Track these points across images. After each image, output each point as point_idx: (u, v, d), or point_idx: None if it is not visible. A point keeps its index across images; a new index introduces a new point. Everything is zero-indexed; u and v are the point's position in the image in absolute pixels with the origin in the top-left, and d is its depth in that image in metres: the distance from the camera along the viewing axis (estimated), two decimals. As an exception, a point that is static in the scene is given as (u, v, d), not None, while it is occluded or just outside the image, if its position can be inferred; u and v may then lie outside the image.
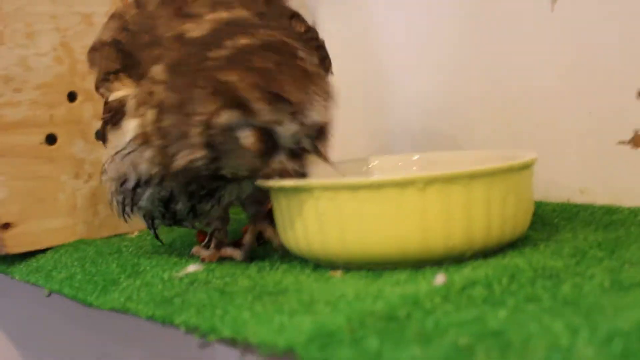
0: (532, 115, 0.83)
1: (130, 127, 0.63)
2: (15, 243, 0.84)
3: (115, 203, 0.70)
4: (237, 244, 0.70)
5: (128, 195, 0.67)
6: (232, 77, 0.56)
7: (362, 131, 1.04)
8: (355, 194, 0.56)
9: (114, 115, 0.65)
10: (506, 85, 0.85)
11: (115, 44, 0.67)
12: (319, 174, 0.63)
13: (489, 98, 0.87)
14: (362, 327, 0.43)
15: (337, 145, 1.05)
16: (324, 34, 0.72)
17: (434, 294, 0.47)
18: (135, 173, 0.64)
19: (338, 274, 0.58)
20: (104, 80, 0.67)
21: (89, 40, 0.83)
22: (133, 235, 0.89)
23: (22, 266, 0.82)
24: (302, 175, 0.58)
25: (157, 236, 0.73)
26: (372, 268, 0.58)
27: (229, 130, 0.57)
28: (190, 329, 0.50)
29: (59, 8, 0.86)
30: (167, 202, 0.66)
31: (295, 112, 0.56)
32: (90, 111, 0.88)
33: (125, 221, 0.71)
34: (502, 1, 0.84)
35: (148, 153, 0.62)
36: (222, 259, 0.68)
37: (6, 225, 0.83)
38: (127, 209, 0.68)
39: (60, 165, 0.87)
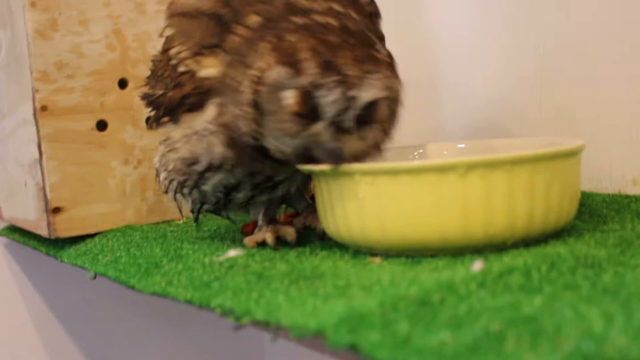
0: (584, 102, 0.80)
1: (215, 105, 0.62)
2: (65, 227, 0.85)
3: (169, 182, 0.69)
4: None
5: (192, 177, 0.66)
6: (294, 37, 0.57)
7: (412, 121, 1.03)
8: (395, 178, 0.55)
9: (199, 93, 0.64)
10: (558, 72, 0.83)
11: (217, 17, 0.63)
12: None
13: (540, 86, 0.85)
14: (394, 311, 0.42)
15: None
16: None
17: (470, 280, 0.46)
18: (208, 156, 0.64)
19: (377, 260, 0.57)
20: (197, 53, 0.64)
21: (141, 27, 0.85)
22: (180, 222, 0.89)
23: (70, 250, 0.84)
24: (337, 151, 0.58)
25: (197, 220, 0.73)
26: (412, 255, 0.57)
27: (276, 88, 0.57)
28: (226, 312, 0.50)
29: (111, -4, 0.88)
30: (229, 190, 0.66)
31: (344, 83, 0.56)
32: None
33: (175, 200, 0.71)
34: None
35: (224, 136, 0.62)
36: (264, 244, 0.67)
37: (57, 210, 0.85)
38: (185, 190, 0.68)
39: (111, 151, 0.88)
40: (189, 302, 0.55)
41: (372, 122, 0.59)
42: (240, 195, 0.66)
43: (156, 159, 0.72)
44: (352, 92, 0.56)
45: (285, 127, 0.58)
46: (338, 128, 0.57)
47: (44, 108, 0.84)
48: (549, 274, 0.47)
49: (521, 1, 0.86)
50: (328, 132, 0.58)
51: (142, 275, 0.65)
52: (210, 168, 0.65)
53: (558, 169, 0.57)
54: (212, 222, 0.85)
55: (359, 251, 0.60)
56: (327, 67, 0.56)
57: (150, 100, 0.72)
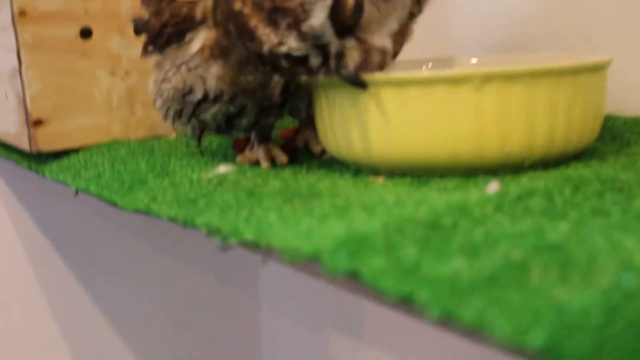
0: (608, 17, 0.74)
1: (199, 38, 0.58)
2: (47, 140, 0.80)
3: (166, 110, 0.64)
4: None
5: (189, 107, 0.61)
6: (237, 5, 0.51)
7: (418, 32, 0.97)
8: (402, 90, 0.50)
9: (176, 23, 0.59)
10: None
11: None
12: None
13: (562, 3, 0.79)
14: (399, 234, 0.37)
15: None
16: None
17: (485, 202, 0.41)
18: (203, 87, 0.59)
19: (380, 179, 0.52)
20: None
21: None
22: (170, 138, 0.84)
23: (53, 164, 0.78)
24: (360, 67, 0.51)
25: (200, 147, 0.68)
26: (419, 175, 0.52)
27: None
28: (212, 231, 0.45)
29: None
30: (231, 118, 0.61)
31: (290, 20, 0.50)
32: (129, 3, 0.82)
33: (173, 127, 0.67)
34: None
35: (215, 69, 0.57)
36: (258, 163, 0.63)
37: (38, 122, 0.79)
38: (183, 119, 0.63)
39: (96, 60, 0.82)
40: (173, 219, 0.51)
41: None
42: (244, 122, 0.61)
43: (150, 84, 0.66)
44: (304, 26, 0.49)
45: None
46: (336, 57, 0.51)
47: (22, 13, 0.77)
48: (574, 198, 0.42)
49: None
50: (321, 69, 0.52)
51: (125, 192, 0.61)
52: (206, 99, 0.60)
53: (582, 84, 0.51)
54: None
55: (361, 170, 0.55)
56: (272, 17, 0.50)
57: (138, 25, 0.65)
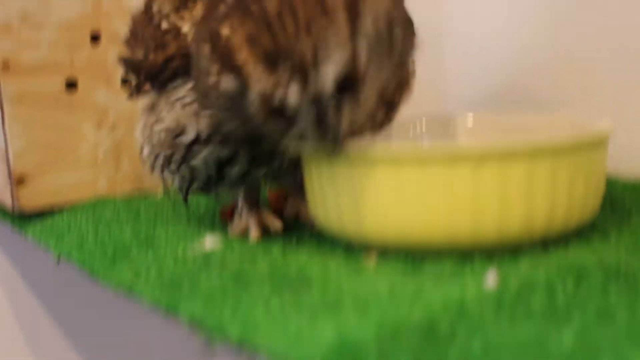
0: (607, 69, 0.73)
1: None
2: (30, 199, 0.78)
3: (154, 158, 0.60)
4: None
5: (179, 151, 0.57)
6: (227, 28, 0.46)
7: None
8: (396, 166, 0.48)
9: (184, 55, 0.54)
10: (583, 42, 0.74)
11: None
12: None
13: (562, 56, 0.77)
14: (394, 341, 0.35)
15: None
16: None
17: (483, 300, 0.39)
18: (196, 126, 0.55)
19: (373, 258, 0.50)
20: (181, 6, 0.56)
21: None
22: (157, 195, 0.82)
23: (36, 224, 0.76)
24: (333, 135, 0.48)
25: (186, 200, 0.63)
26: (413, 254, 0.50)
27: (240, 94, 0.47)
28: (195, 322, 0.43)
29: (83, -62, 0.79)
30: (223, 164, 0.57)
31: (297, 74, 0.45)
32: (115, 55, 0.80)
33: (162, 178, 0.62)
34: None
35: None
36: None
37: (21, 180, 0.77)
38: (173, 166, 0.59)
39: (81, 114, 0.80)
40: (156, 303, 0.48)
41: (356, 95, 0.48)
42: (236, 170, 0.57)
43: (138, 132, 0.63)
44: (311, 79, 0.45)
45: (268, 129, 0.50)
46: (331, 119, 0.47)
47: (5, 65, 0.75)
48: (577, 293, 0.40)
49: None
50: (310, 126, 0.48)
51: (108, 263, 0.58)
52: (198, 140, 0.56)
53: (585, 158, 0.49)
54: (191, 197, 0.77)
55: (353, 246, 0.53)
56: (271, 58, 0.45)
57: (129, 65, 0.63)
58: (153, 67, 0.58)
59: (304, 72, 0.44)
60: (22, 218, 0.79)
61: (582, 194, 0.49)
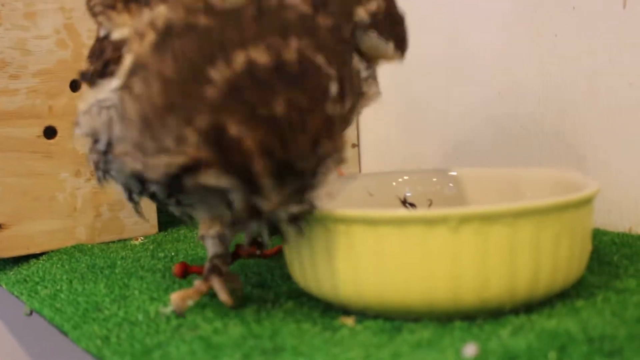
0: (593, 127, 0.71)
1: (121, 75, 0.48)
2: (6, 246, 0.76)
3: (92, 163, 0.56)
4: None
5: (100, 159, 0.53)
6: (234, 129, 0.41)
7: (395, 139, 0.94)
8: (374, 229, 0.46)
9: (108, 60, 0.50)
10: (567, 92, 0.73)
11: None
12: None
13: (545, 108, 0.76)
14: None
15: (368, 152, 0.95)
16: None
17: (461, 375, 0.37)
18: (107, 134, 0.50)
19: (350, 321, 0.48)
20: (108, 6, 0.51)
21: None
22: (137, 242, 0.80)
23: (11, 273, 0.74)
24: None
25: (137, 210, 0.58)
26: (391, 317, 0.48)
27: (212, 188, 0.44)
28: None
29: (64, -14, 0.78)
30: (142, 180, 0.51)
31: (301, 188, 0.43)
32: (96, 102, 0.79)
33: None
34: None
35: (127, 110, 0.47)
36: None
37: (-3, 227, 0.75)
38: (99, 173, 0.55)
39: (60, 161, 0.78)
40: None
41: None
42: (156, 188, 0.51)
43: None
44: (306, 198, 0.44)
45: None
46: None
47: (-18, 112, 0.74)
48: (559, 366, 0.38)
49: (528, 10, 0.77)
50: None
51: (78, 319, 0.56)
52: (108, 150, 0.51)
53: (569, 220, 0.48)
54: (170, 246, 0.76)
55: (330, 307, 0.51)
56: (282, 173, 0.42)
57: (84, 77, 0.56)
58: (94, 74, 0.53)
59: (303, 192, 0.44)
60: (-1, 264, 0.78)
61: (566, 256, 0.48)
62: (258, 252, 0.62)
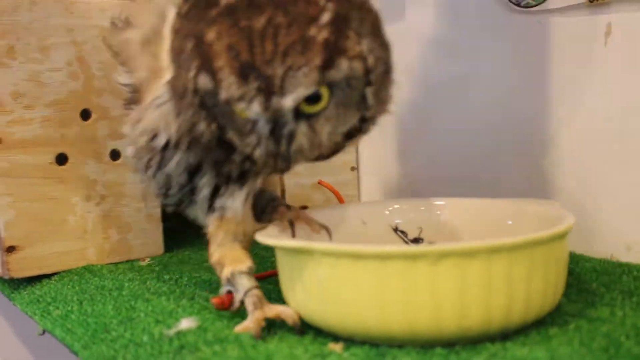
0: (575, 158, 0.75)
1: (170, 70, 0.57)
2: (20, 267, 0.80)
3: (137, 160, 0.63)
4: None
5: (156, 156, 0.61)
6: (213, 33, 0.50)
7: (393, 163, 0.97)
8: (359, 262, 0.50)
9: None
10: (548, 126, 0.77)
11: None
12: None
13: (527, 140, 0.79)
14: None
15: (367, 175, 0.99)
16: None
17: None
18: (166, 129, 0.58)
19: (338, 348, 0.52)
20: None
21: (107, 55, 0.78)
22: (144, 263, 0.84)
23: (25, 292, 0.78)
24: (283, 158, 0.52)
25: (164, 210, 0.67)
26: (376, 344, 0.51)
27: (213, 94, 0.51)
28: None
29: (75, 20, 0.81)
30: (192, 173, 0.60)
31: (263, 90, 0.49)
32: (105, 130, 0.83)
33: (141, 182, 0.66)
34: (549, 35, 0.76)
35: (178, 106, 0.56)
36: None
37: (11, 249, 0.79)
38: (150, 171, 0.62)
39: (71, 186, 0.82)
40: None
41: (318, 115, 0.52)
42: (204, 181, 0.60)
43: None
44: (273, 100, 0.49)
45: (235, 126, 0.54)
46: (286, 134, 0.51)
47: (-2, 140, 0.78)
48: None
49: (513, 48, 0.80)
50: (268, 138, 0.52)
51: (88, 340, 0.60)
52: (169, 145, 0.59)
53: (541, 254, 0.51)
54: (175, 267, 0.80)
55: (320, 332, 0.55)
56: (245, 72, 0.49)
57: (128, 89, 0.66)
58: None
59: (268, 94, 0.49)
60: (12, 283, 0.82)
61: (540, 288, 0.51)
62: None
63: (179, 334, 0.57)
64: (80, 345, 0.60)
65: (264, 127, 0.51)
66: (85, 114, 0.83)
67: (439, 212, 0.68)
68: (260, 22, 0.49)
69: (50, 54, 0.80)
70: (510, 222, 0.63)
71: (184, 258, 0.85)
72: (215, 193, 0.61)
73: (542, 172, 0.78)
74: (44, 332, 0.68)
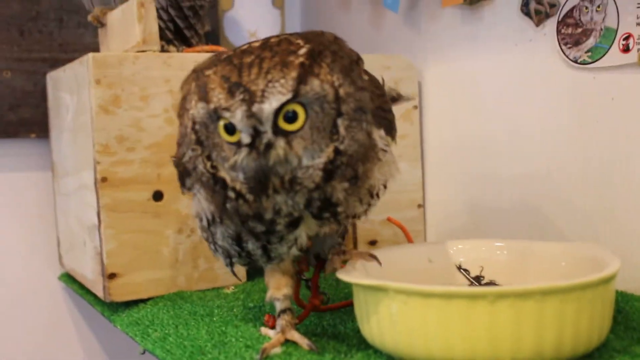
0: (629, 204, 0.81)
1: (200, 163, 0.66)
2: (119, 292, 0.89)
3: (207, 242, 0.72)
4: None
5: (209, 234, 0.69)
6: (211, 71, 0.61)
7: (457, 202, 1.04)
8: (426, 300, 0.58)
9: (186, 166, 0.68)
10: (605, 173, 0.83)
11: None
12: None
13: (586, 186, 0.86)
14: None
15: (432, 212, 1.06)
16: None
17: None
18: (204, 213, 0.67)
19: (407, 373, 0.60)
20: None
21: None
22: (229, 291, 0.92)
23: (123, 315, 0.87)
24: (258, 170, 0.60)
25: (234, 273, 0.74)
26: (441, 372, 0.59)
27: (203, 124, 0.62)
28: None
29: (172, 72, 0.91)
30: (238, 241, 0.67)
31: (246, 100, 0.58)
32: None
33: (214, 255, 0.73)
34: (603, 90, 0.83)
35: (203, 192, 0.66)
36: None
37: (112, 275, 0.89)
38: (212, 246, 0.71)
39: (165, 220, 0.92)
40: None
41: (295, 133, 0.60)
42: (250, 246, 0.67)
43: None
44: (255, 106, 0.58)
45: (223, 156, 0.62)
46: (265, 145, 0.59)
47: (104, 179, 0.88)
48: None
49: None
50: (249, 152, 0.59)
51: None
52: (209, 223, 0.68)
53: (589, 296, 0.58)
54: (257, 296, 0.88)
55: (392, 359, 0.62)
56: (232, 89, 0.59)
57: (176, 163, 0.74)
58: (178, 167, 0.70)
59: (251, 102, 0.58)
60: (111, 306, 0.91)
61: (587, 327, 0.58)
62: (326, 298, 0.77)
63: (267, 358, 0.65)
64: (179, 365, 0.69)
65: (245, 138, 0.59)
66: (179, 156, 0.92)
67: (498, 252, 0.75)
68: (250, 58, 0.60)
69: (150, 102, 0.90)
70: (563, 264, 0.70)
71: (264, 287, 0.93)
72: (265, 251, 0.68)
73: (596, 217, 0.84)
74: (144, 352, 0.77)
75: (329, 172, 0.61)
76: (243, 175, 0.60)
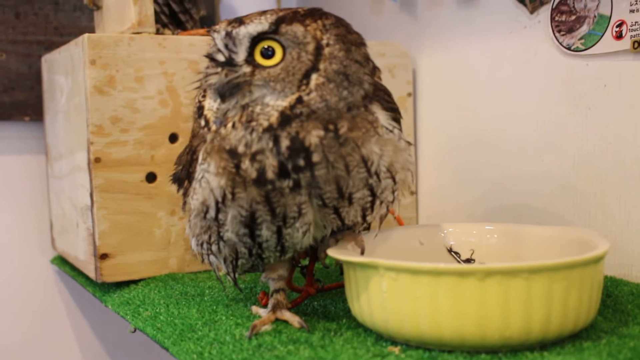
0: (620, 191, 0.82)
1: (201, 153, 0.66)
2: (111, 273, 0.90)
3: (200, 246, 0.70)
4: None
5: (213, 228, 0.67)
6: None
7: (449, 189, 1.05)
8: (417, 277, 0.58)
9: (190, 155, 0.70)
10: (597, 158, 0.84)
11: None
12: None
13: (578, 170, 0.86)
14: None
15: (425, 199, 1.07)
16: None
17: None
18: (212, 195, 0.64)
19: (396, 350, 0.60)
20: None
21: (193, 84, 0.88)
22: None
23: (115, 296, 0.88)
24: (220, 86, 0.65)
25: (236, 283, 0.73)
26: (429, 348, 0.59)
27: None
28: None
29: (167, 54, 0.91)
30: (252, 229, 0.65)
31: (232, 23, 0.64)
32: (190, 152, 0.93)
33: (210, 264, 0.72)
34: (595, 76, 0.83)
35: (212, 166, 0.64)
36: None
37: (104, 256, 0.89)
38: (214, 247, 0.68)
39: (158, 202, 0.92)
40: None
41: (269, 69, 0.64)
42: (266, 232, 0.65)
43: (187, 229, 0.72)
44: (234, 31, 0.64)
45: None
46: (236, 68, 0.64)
47: (97, 160, 0.88)
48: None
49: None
50: (222, 70, 0.65)
51: (177, 338, 0.69)
52: (219, 207, 0.65)
53: (577, 276, 0.58)
54: (249, 277, 0.88)
55: (382, 337, 0.63)
56: (231, 21, 0.65)
57: (175, 177, 0.74)
58: (186, 164, 0.71)
59: (233, 27, 0.64)
60: (103, 287, 0.92)
61: (575, 306, 0.58)
62: (320, 285, 0.76)
63: (257, 335, 0.65)
64: (170, 342, 0.69)
65: (221, 56, 0.65)
66: (173, 137, 0.92)
67: (488, 236, 0.76)
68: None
69: (145, 83, 0.90)
70: (553, 248, 0.70)
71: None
72: (279, 237, 0.66)
73: (588, 202, 0.85)
74: (135, 330, 0.78)
75: (287, 117, 0.63)
76: (214, 90, 0.66)
